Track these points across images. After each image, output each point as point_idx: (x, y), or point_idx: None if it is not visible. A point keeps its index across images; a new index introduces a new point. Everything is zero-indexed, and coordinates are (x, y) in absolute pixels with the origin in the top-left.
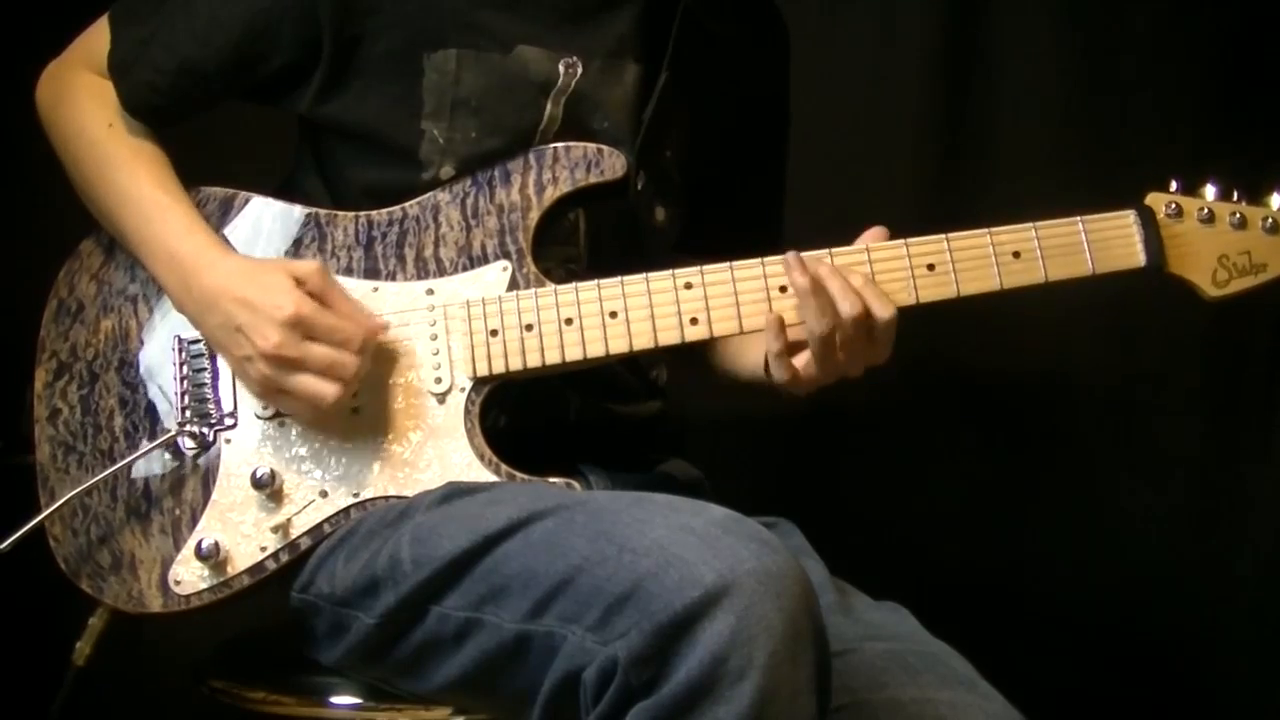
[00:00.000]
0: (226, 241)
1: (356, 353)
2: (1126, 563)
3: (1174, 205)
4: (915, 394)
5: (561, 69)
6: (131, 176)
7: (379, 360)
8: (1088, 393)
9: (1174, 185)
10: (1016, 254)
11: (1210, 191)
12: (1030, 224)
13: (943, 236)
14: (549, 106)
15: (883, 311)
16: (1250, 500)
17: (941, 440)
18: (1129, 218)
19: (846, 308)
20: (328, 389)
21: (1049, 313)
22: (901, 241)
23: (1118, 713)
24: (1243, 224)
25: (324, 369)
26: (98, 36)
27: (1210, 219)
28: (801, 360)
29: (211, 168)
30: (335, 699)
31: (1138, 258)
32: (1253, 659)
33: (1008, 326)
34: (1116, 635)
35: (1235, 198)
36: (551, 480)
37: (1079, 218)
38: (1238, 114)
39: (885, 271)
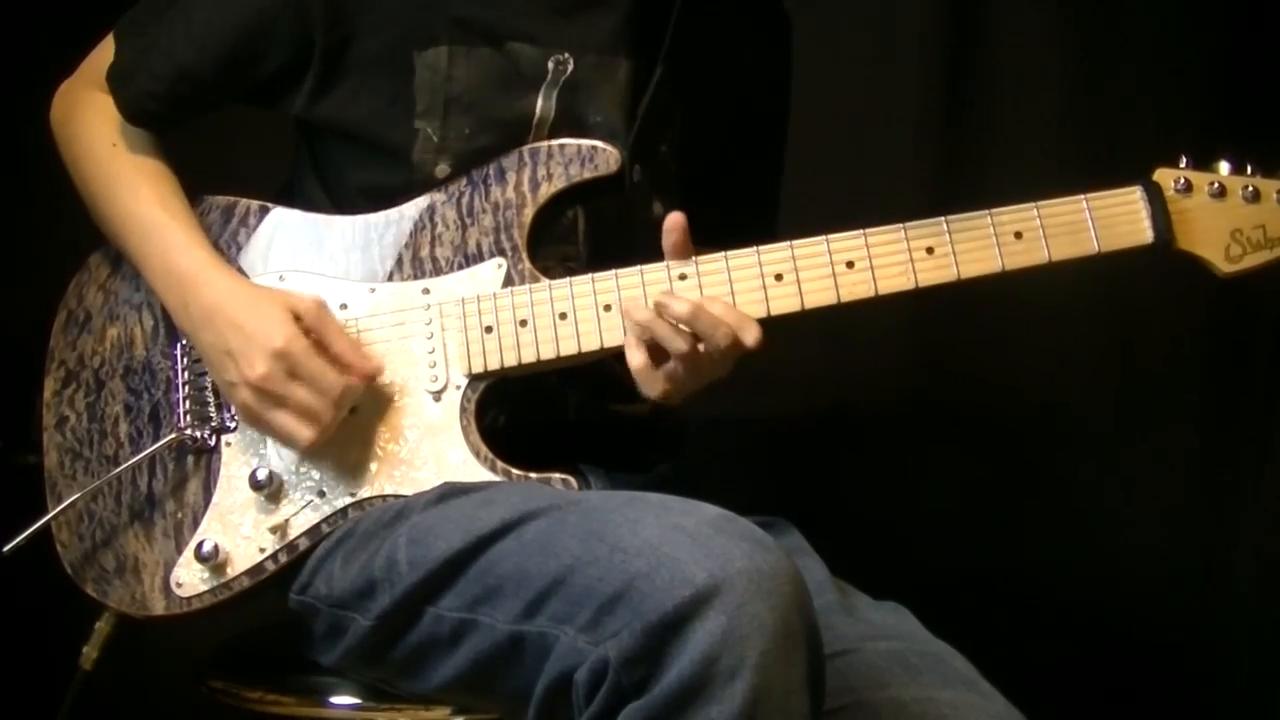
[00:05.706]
0: (229, 252)
1: (335, 402)
2: (1127, 563)
3: (1183, 180)
4: (915, 394)
5: (551, 65)
6: (134, 194)
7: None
8: (1087, 393)
9: (1184, 161)
10: (1018, 234)
11: (1224, 167)
12: (1032, 203)
13: (941, 219)
14: (540, 101)
15: (749, 337)
16: (1250, 500)
17: (941, 440)
18: (1135, 194)
19: (719, 338)
20: (304, 432)
21: (1049, 313)
22: (899, 225)
23: (1118, 712)
24: (1256, 197)
25: (302, 412)
26: (105, 53)
27: (1221, 193)
28: (668, 370)
29: (214, 172)
30: (335, 699)
31: (1145, 234)
32: (1253, 659)
33: (1007, 327)
34: (1117, 635)
35: (1249, 171)
36: (550, 475)
37: (1083, 195)
38: (1238, 119)
39: (883, 256)
